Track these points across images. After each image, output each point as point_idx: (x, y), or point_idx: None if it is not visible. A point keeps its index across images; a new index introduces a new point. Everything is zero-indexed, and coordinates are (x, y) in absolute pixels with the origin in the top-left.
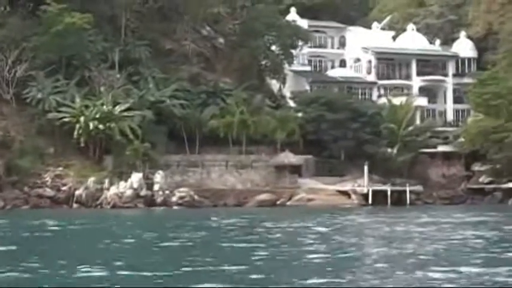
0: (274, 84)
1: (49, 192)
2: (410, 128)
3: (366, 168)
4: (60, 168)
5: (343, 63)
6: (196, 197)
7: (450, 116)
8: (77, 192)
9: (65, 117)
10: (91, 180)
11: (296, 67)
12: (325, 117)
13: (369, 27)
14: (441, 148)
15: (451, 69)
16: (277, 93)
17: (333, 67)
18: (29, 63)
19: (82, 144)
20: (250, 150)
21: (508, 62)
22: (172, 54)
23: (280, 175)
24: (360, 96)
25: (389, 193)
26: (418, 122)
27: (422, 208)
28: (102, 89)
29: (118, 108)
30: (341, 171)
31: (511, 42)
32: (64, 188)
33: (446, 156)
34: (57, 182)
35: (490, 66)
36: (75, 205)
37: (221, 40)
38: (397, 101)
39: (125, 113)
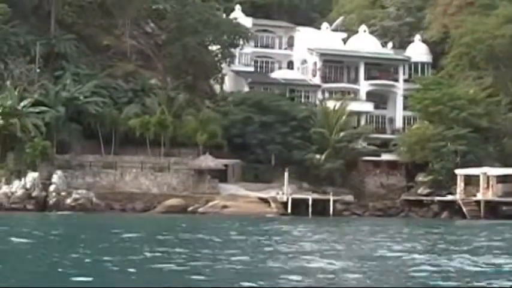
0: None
1: None
2: (342, 134)
3: (286, 174)
4: None
5: (291, 65)
6: (94, 199)
7: (399, 123)
8: None
9: None
10: None
11: (238, 67)
12: (252, 119)
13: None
14: (384, 156)
15: (402, 73)
16: (219, 94)
17: (280, 68)
18: None
19: None
20: (172, 153)
21: (455, 67)
22: (110, 51)
23: (200, 180)
24: (302, 100)
25: (310, 202)
26: None
27: (341, 219)
28: (8, 83)
29: (22, 104)
30: (269, 177)
31: (460, 46)
32: None
33: (388, 165)
34: None
35: (437, 71)
36: None
37: (164, 37)
38: (331, 104)
39: (31, 109)
